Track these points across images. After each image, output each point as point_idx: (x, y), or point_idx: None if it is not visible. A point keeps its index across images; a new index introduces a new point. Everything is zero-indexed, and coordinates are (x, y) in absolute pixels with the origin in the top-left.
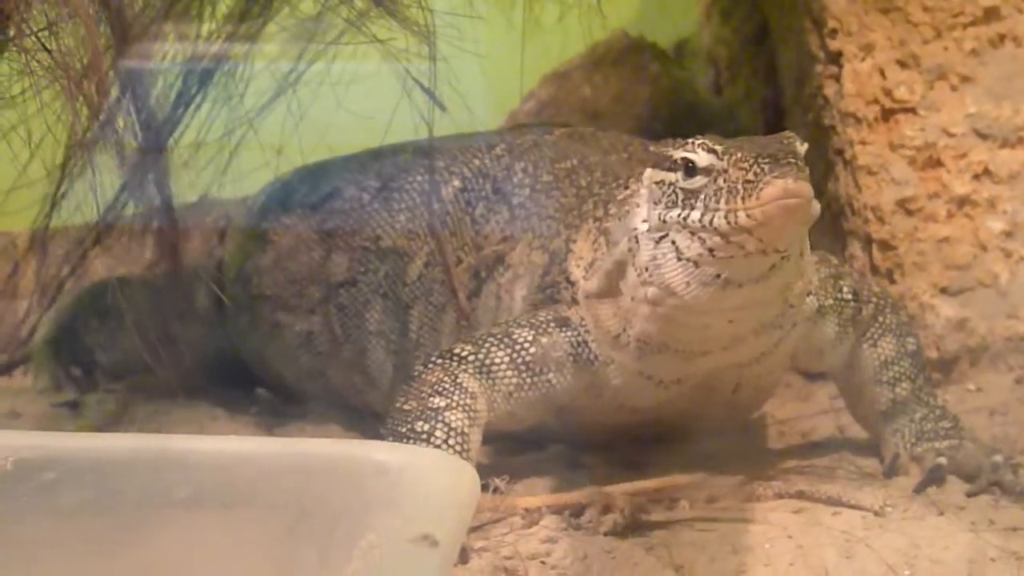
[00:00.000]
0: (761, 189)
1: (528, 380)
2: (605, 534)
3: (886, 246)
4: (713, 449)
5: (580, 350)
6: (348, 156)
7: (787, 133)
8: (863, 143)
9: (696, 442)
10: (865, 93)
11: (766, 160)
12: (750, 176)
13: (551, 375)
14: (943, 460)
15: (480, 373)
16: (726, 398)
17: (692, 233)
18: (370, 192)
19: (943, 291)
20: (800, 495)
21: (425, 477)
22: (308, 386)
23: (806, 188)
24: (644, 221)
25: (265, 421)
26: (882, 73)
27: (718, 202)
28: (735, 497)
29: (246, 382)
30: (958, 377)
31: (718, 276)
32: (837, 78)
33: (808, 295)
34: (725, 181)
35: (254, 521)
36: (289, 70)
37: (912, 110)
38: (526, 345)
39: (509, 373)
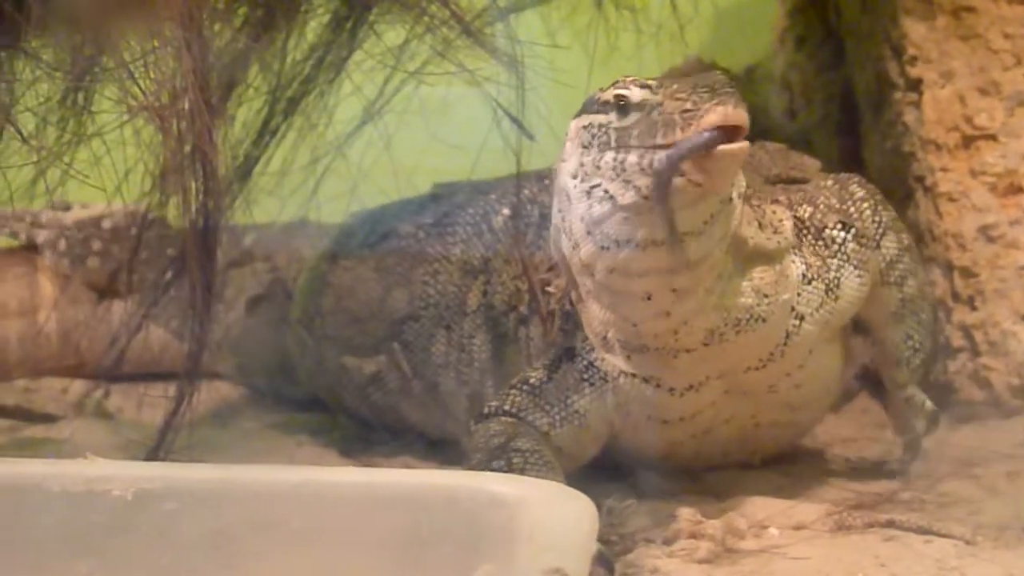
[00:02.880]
0: (701, 116)
1: (558, 417)
2: (699, 562)
3: (967, 273)
4: (796, 473)
5: (589, 373)
6: (406, 200)
7: (718, 70)
8: (944, 170)
9: (778, 467)
10: (945, 120)
11: (704, 89)
12: (688, 106)
13: (576, 406)
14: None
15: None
16: (768, 402)
17: (627, 181)
18: (425, 228)
19: None
20: (891, 523)
21: (545, 509)
22: (384, 421)
23: (743, 115)
24: (573, 176)
25: (349, 448)
26: (962, 100)
27: (653, 136)
28: (824, 525)
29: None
30: None
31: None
32: (917, 105)
33: (811, 282)
34: (660, 114)
35: (370, 552)
36: (375, 97)
37: (993, 137)
38: (541, 384)
39: (538, 415)
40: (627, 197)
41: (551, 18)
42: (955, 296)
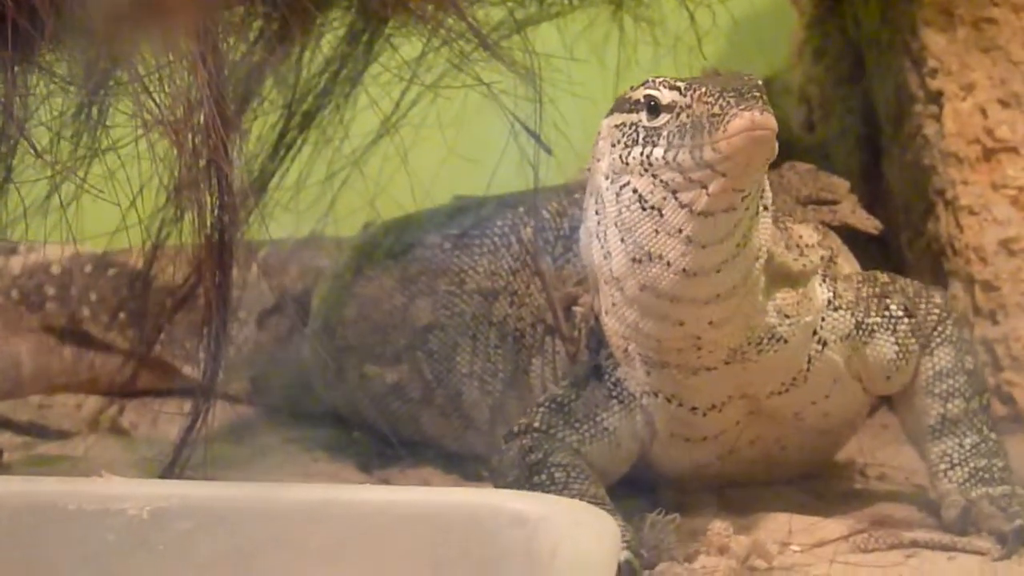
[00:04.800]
0: (728, 121)
1: (587, 434)
2: None
3: (989, 287)
4: (817, 490)
5: (618, 391)
6: (430, 210)
7: (748, 73)
8: (964, 183)
9: (800, 483)
10: (966, 132)
11: (731, 94)
12: (716, 110)
13: (606, 423)
14: (1022, 521)
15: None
16: (794, 427)
17: (655, 176)
18: (451, 239)
19: None
20: (914, 544)
21: (567, 527)
22: (403, 433)
23: (772, 121)
24: (606, 177)
25: (366, 463)
26: (983, 112)
27: (682, 138)
28: (846, 543)
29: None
30: None
31: (681, 231)
32: (937, 118)
33: (837, 309)
34: (689, 117)
35: (389, 572)
36: (391, 111)
37: (1014, 149)
38: (570, 402)
39: (567, 432)
40: (655, 195)
41: (568, 31)
42: (976, 310)
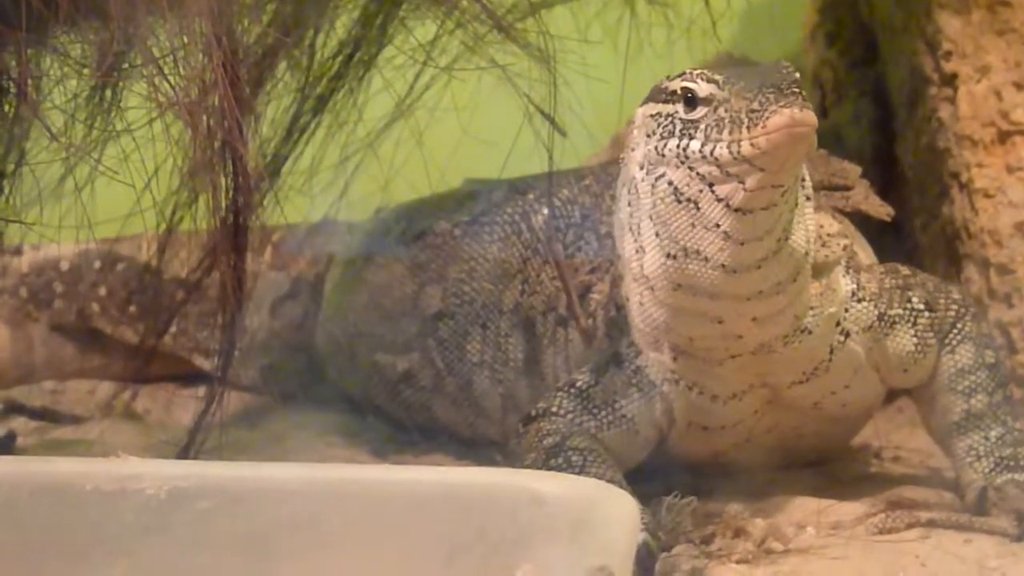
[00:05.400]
0: (767, 118)
1: (605, 420)
2: (737, 562)
3: (1004, 270)
4: (832, 473)
5: (638, 378)
6: (440, 195)
7: (783, 62)
8: (979, 166)
9: (816, 466)
10: (981, 115)
11: (770, 89)
12: (755, 105)
13: (624, 410)
14: None
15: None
16: (812, 416)
17: (691, 168)
18: (462, 226)
19: None
20: (931, 523)
21: (587, 507)
22: (415, 420)
23: (812, 116)
24: (641, 167)
25: (380, 448)
26: (998, 95)
27: (720, 132)
28: (862, 525)
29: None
30: None
31: (718, 225)
32: (952, 100)
33: (861, 300)
34: (727, 111)
35: (409, 552)
36: (405, 94)
37: None
38: (589, 388)
39: (585, 417)
40: (692, 187)
41: (582, 14)
42: (991, 293)
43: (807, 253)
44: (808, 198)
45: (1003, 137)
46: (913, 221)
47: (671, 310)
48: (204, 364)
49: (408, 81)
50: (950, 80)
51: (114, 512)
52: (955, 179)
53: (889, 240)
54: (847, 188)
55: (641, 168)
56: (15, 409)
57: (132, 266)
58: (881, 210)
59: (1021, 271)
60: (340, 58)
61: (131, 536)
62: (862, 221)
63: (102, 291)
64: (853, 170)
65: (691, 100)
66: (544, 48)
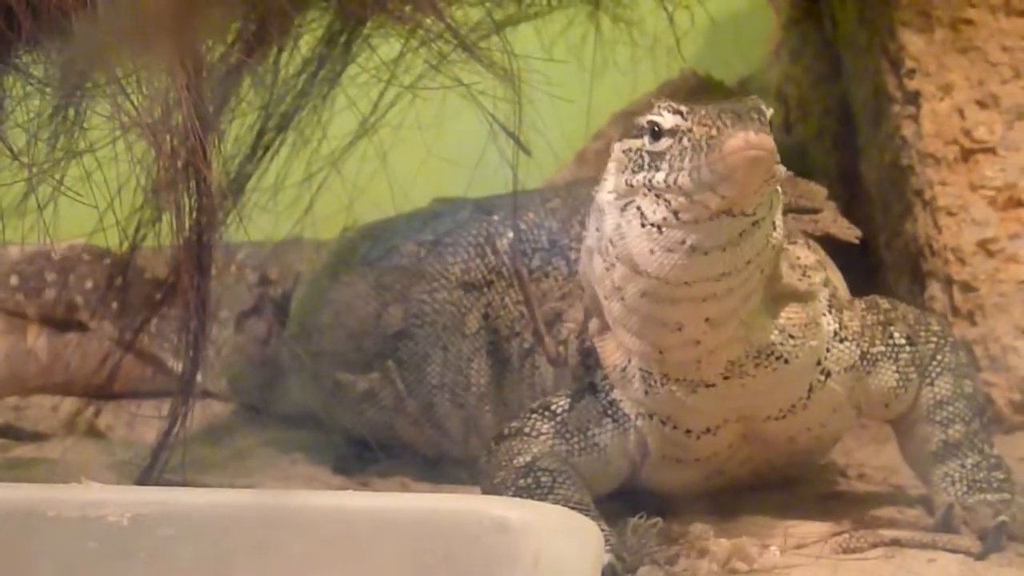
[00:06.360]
0: (723, 142)
1: (577, 446)
2: None
3: (967, 288)
4: (797, 491)
5: (613, 410)
6: (407, 214)
7: (752, 96)
8: (942, 183)
9: (781, 486)
10: (944, 133)
11: (728, 115)
12: (713, 132)
13: (597, 439)
14: (1005, 518)
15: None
16: (786, 450)
17: (657, 196)
18: (426, 247)
19: None
20: (896, 543)
21: (550, 534)
22: (379, 438)
23: (768, 141)
24: (610, 192)
25: (344, 466)
26: (961, 113)
27: (682, 161)
28: (827, 544)
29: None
30: None
31: (683, 242)
32: (915, 118)
33: (843, 341)
34: (689, 140)
35: None
36: (370, 112)
37: (992, 150)
38: (564, 413)
39: (557, 441)
40: (656, 215)
41: (546, 32)
42: (955, 311)
43: (762, 270)
44: (775, 223)
45: (966, 155)
46: (877, 238)
47: (641, 318)
48: (177, 367)
49: (372, 99)
50: (913, 98)
51: (77, 539)
52: (918, 197)
53: (854, 257)
54: (815, 211)
55: (611, 194)
56: None
57: (116, 262)
58: (850, 233)
59: (984, 289)
60: (304, 76)
61: (93, 563)
62: (828, 241)
63: (88, 284)
64: (819, 191)
65: (656, 132)
66: (508, 67)
